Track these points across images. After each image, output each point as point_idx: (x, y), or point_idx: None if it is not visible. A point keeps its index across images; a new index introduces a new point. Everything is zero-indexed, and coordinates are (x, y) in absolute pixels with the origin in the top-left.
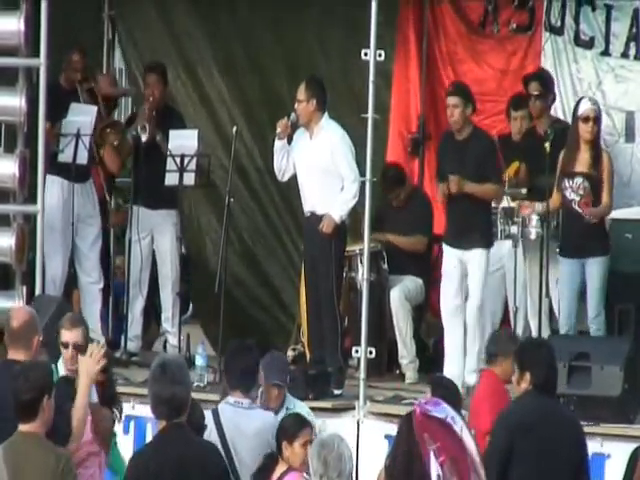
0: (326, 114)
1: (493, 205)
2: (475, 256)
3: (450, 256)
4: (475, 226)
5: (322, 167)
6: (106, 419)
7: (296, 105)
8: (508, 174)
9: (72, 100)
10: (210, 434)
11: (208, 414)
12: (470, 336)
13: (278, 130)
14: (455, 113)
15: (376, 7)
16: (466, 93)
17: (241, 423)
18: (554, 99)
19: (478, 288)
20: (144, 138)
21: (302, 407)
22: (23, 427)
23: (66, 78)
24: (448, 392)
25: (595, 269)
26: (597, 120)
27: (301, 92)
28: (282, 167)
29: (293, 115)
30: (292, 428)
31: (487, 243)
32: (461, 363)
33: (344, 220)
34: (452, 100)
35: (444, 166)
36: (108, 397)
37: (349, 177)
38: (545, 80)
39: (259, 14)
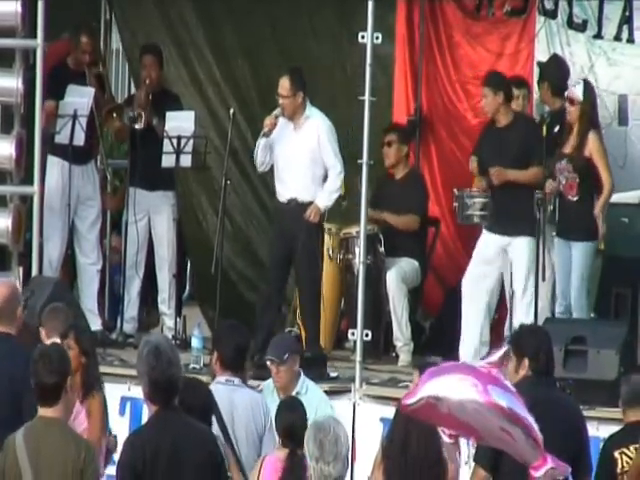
0: (308, 102)
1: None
2: (521, 244)
3: (493, 244)
4: (519, 213)
5: (309, 156)
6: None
7: (280, 100)
8: None
9: (79, 82)
10: None
11: None
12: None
13: (266, 129)
14: (483, 102)
15: None
16: (496, 82)
17: (234, 399)
18: (556, 84)
19: (524, 278)
20: (139, 126)
21: (315, 390)
22: (44, 412)
23: (74, 60)
24: None
25: (579, 254)
26: (577, 100)
27: (286, 88)
28: (265, 161)
29: (279, 110)
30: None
31: (532, 230)
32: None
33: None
34: (483, 90)
35: (485, 156)
36: (88, 381)
37: (335, 168)
38: (542, 68)
39: None
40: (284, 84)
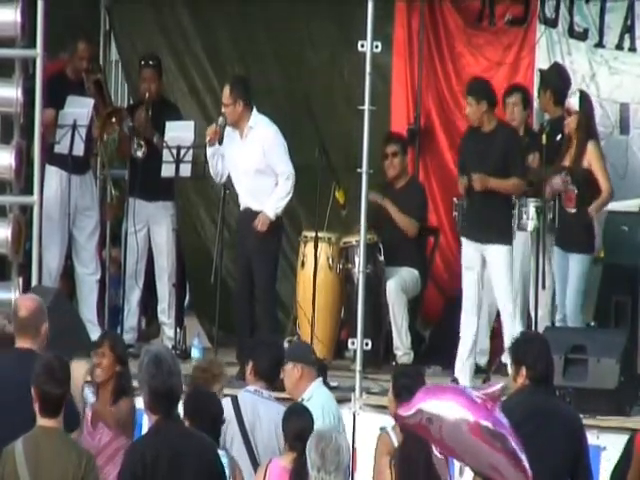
0: (254, 111)
1: None
2: (495, 252)
3: (470, 249)
4: (495, 221)
5: (254, 167)
6: (121, 411)
7: (223, 108)
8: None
9: (77, 91)
10: (229, 421)
11: (227, 401)
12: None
13: (207, 138)
14: (467, 111)
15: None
16: (478, 90)
17: (259, 411)
18: (558, 93)
19: (502, 283)
20: (140, 154)
21: (318, 400)
22: (44, 422)
23: (72, 68)
24: (411, 381)
25: (575, 266)
26: (574, 111)
27: (226, 96)
28: (218, 171)
29: (221, 119)
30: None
31: (508, 239)
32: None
33: (280, 216)
34: (467, 99)
35: (467, 159)
36: (122, 387)
37: (284, 174)
38: (544, 77)
39: (249, 5)
40: (225, 92)
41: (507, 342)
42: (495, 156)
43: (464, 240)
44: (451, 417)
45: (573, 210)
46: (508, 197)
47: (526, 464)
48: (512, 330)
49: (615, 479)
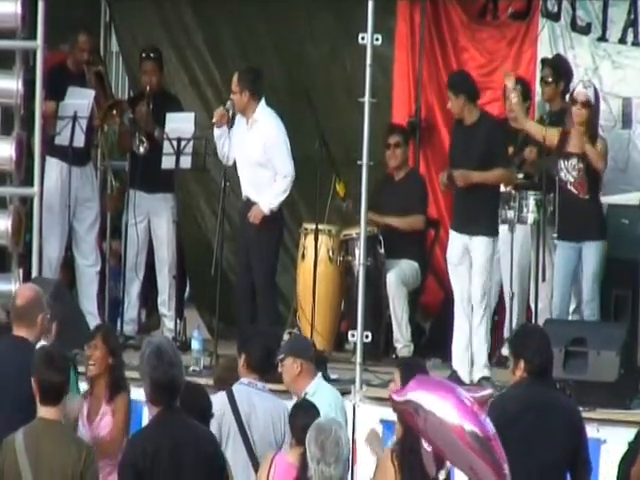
0: (262, 103)
1: None
2: (478, 243)
3: (458, 243)
4: (480, 213)
5: (254, 160)
6: (119, 409)
7: (231, 95)
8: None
9: (78, 83)
10: (224, 413)
11: (222, 394)
12: (475, 330)
13: (215, 119)
14: (449, 105)
15: None
16: (455, 84)
17: (255, 402)
18: (567, 85)
19: (481, 276)
20: (142, 150)
21: (324, 395)
22: (45, 412)
23: (73, 60)
24: (413, 374)
25: (591, 253)
26: (590, 104)
27: (234, 84)
28: (225, 153)
29: (229, 103)
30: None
31: (493, 231)
32: (467, 357)
33: (279, 210)
34: (448, 92)
35: (452, 152)
36: (117, 382)
37: (282, 171)
38: (557, 66)
39: None
40: (233, 79)
41: (475, 333)
42: (479, 148)
43: (453, 234)
44: (437, 413)
45: (587, 196)
46: (494, 188)
47: (507, 472)
48: (476, 321)
49: (622, 471)
